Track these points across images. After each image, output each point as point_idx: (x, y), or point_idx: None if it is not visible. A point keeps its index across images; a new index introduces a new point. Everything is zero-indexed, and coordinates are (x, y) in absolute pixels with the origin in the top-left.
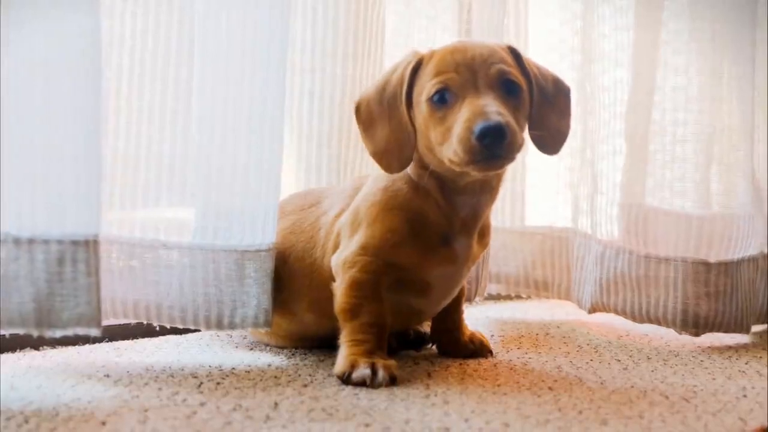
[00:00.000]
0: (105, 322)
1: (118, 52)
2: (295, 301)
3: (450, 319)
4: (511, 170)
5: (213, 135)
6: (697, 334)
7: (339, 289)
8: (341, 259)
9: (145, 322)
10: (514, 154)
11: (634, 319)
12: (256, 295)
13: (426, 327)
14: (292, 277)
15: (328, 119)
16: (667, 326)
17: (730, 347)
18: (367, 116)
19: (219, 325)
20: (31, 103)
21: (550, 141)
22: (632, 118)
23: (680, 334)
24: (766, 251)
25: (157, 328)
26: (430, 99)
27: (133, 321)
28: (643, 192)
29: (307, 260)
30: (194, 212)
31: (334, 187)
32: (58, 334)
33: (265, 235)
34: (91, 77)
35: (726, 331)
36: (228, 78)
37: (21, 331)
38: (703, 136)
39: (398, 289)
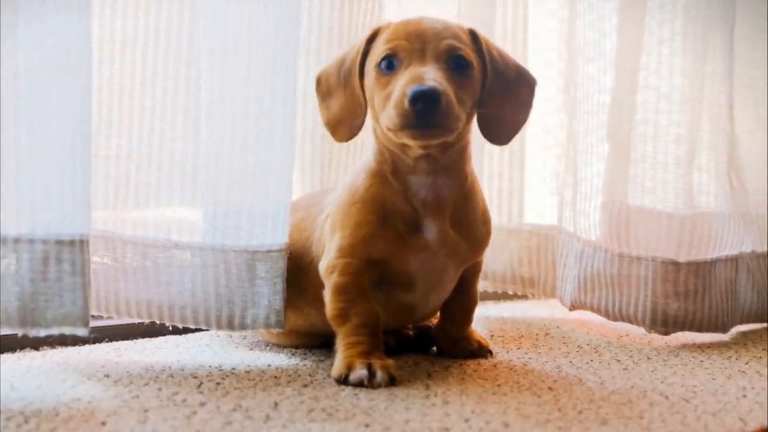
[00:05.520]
0: (107, 322)
1: (131, 52)
2: (300, 295)
3: (454, 319)
4: (498, 168)
5: (223, 133)
6: (666, 333)
7: (326, 296)
8: (324, 266)
9: (148, 321)
10: (450, 124)
11: (608, 317)
12: (267, 295)
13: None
14: (297, 273)
15: (312, 118)
16: (638, 325)
17: (730, 347)
18: (326, 88)
19: (230, 326)
20: (17, 102)
21: (499, 129)
22: (615, 118)
23: (649, 332)
24: (755, 250)
25: (167, 326)
26: (378, 65)
27: (146, 320)
28: (623, 191)
29: (306, 259)
30: (204, 212)
31: (335, 188)
32: (43, 333)
33: (275, 235)
34: (80, 76)
35: (699, 331)
36: (236, 76)
37: (5, 330)
38: (682, 136)
39: (384, 286)
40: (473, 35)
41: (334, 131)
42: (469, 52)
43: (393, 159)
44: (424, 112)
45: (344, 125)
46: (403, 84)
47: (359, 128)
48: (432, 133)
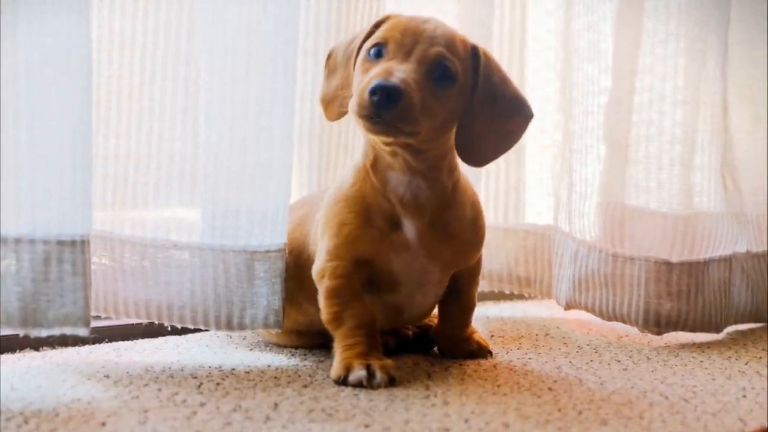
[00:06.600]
0: (107, 323)
1: (130, 52)
2: (300, 291)
3: (452, 322)
4: (495, 168)
5: (222, 133)
6: (659, 333)
7: (320, 300)
8: (315, 270)
9: (146, 322)
10: (405, 126)
11: (602, 316)
12: (266, 295)
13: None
14: (297, 269)
15: (309, 119)
16: (631, 324)
17: (730, 347)
18: (333, 64)
19: (229, 326)
20: (17, 102)
21: (475, 150)
22: (612, 118)
23: (642, 332)
24: (750, 250)
25: (166, 326)
26: (368, 50)
27: (146, 321)
28: (620, 191)
29: (304, 255)
30: (203, 212)
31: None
32: (44, 333)
33: (274, 235)
34: (80, 76)
35: (692, 330)
36: (235, 76)
37: (6, 330)
38: (678, 137)
39: (370, 287)
40: (474, 52)
41: (326, 108)
42: (457, 66)
43: (374, 152)
44: (379, 106)
45: (335, 104)
46: (372, 74)
47: (346, 110)
48: (384, 129)
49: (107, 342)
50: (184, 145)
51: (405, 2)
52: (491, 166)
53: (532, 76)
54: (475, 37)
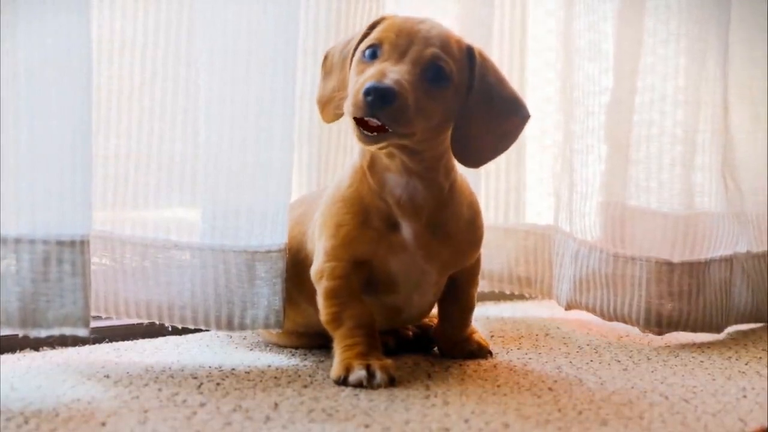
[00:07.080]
0: (107, 323)
1: (130, 53)
2: (298, 291)
3: (452, 322)
4: (495, 168)
5: (222, 134)
6: (660, 333)
7: (319, 301)
8: (313, 271)
9: (146, 322)
10: (400, 128)
11: (603, 316)
12: (267, 296)
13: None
14: (294, 268)
15: (309, 119)
16: (632, 325)
17: (730, 348)
18: (329, 66)
19: (230, 326)
20: (17, 102)
21: (471, 150)
22: (614, 118)
23: (643, 333)
24: (750, 251)
25: (167, 327)
26: (363, 51)
27: (146, 321)
28: (620, 191)
29: (302, 254)
30: (203, 212)
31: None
32: (44, 333)
33: (275, 235)
34: (80, 76)
35: (693, 331)
36: (235, 76)
37: (6, 331)
38: (679, 137)
39: (368, 289)
40: (469, 52)
41: (322, 110)
42: (451, 66)
43: (371, 154)
44: (373, 106)
45: (331, 105)
46: (367, 76)
47: (342, 111)
48: (374, 141)
49: (107, 342)
50: (185, 145)
51: (405, 2)
52: (491, 166)
53: (532, 77)
54: (475, 37)
